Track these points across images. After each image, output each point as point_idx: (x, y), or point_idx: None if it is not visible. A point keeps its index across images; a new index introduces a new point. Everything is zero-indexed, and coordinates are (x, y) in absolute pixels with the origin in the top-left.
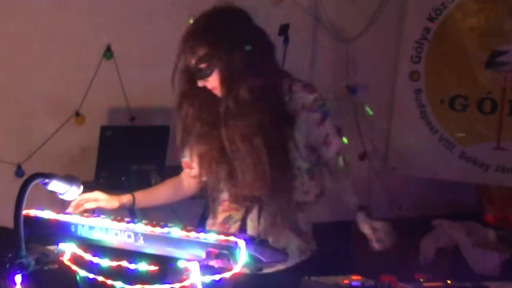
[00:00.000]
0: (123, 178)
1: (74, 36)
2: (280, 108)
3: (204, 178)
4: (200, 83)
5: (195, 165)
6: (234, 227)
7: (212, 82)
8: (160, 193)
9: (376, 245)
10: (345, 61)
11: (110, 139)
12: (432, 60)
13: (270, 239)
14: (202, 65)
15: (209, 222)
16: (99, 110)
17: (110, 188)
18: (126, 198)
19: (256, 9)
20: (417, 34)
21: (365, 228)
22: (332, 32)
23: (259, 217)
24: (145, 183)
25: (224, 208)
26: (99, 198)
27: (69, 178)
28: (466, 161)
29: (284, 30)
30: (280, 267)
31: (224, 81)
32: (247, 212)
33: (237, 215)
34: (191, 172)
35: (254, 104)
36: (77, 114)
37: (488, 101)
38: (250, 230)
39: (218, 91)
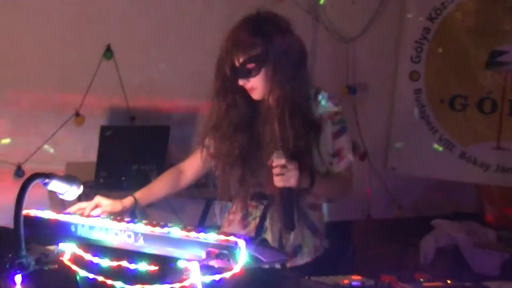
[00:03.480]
0: (123, 178)
1: (74, 36)
2: (309, 113)
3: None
4: (241, 82)
5: (207, 157)
6: (253, 224)
7: (255, 82)
8: (160, 188)
9: (276, 179)
10: (345, 61)
11: (110, 139)
12: (432, 60)
13: (288, 237)
14: (251, 65)
15: (229, 217)
16: (99, 110)
17: (110, 188)
18: (128, 200)
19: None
20: (417, 34)
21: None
22: (332, 32)
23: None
24: (145, 183)
25: (242, 205)
26: (102, 204)
27: (69, 178)
28: (466, 161)
29: None
30: (297, 262)
31: (268, 82)
32: (265, 209)
33: (256, 212)
34: (201, 158)
35: (291, 106)
36: (77, 114)
37: (488, 101)
38: (269, 227)
39: (257, 92)
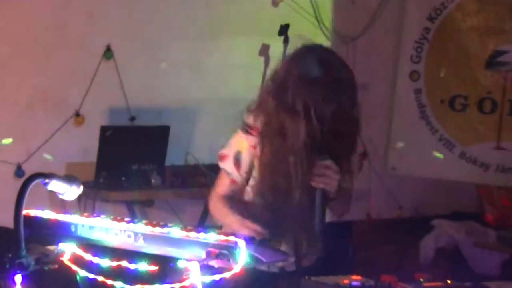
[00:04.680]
0: (123, 178)
1: (74, 36)
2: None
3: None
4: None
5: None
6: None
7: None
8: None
9: (318, 180)
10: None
11: (110, 139)
12: (432, 60)
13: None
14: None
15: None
16: (99, 110)
17: (110, 188)
18: None
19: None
20: (417, 34)
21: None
22: (332, 32)
23: None
24: (145, 183)
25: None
26: None
27: (69, 178)
28: (466, 161)
29: (284, 30)
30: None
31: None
32: None
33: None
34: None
35: (345, 127)
36: (77, 114)
37: (488, 101)
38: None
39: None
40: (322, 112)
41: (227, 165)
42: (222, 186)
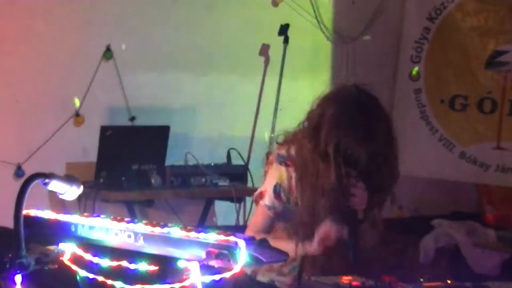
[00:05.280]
0: (123, 178)
1: (74, 36)
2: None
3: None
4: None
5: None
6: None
7: None
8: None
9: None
10: (345, 61)
11: (110, 139)
12: (432, 60)
13: None
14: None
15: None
16: (99, 110)
17: (110, 188)
18: None
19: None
20: (417, 34)
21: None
22: (332, 32)
23: None
24: (145, 183)
25: None
26: None
27: (69, 178)
28: (466, 161)
29: (284, 30)
30: None
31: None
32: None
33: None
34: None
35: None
36: (77, 114)
37: (488, 101)
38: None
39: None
40: (357, 153)
41: (267, 201)
42: (263, 221)
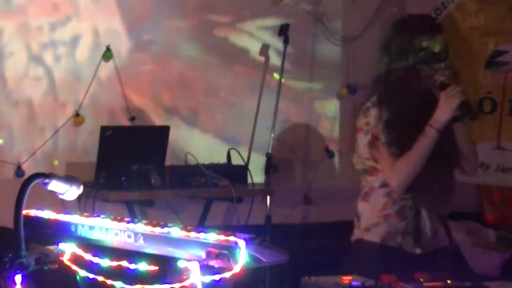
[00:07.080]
0: (123, 178)
1: (74, 36)
2: None
3: None
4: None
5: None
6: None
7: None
8: None
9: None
10: (345, 61)
11: (110, 139)
12: None
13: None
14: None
15: (384, 212)
16: (99, 110)
17: (110, 188)
18: None
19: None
20: None
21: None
22: (332, 32)
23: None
24: (145, 183)
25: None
26: None
27: (69, 178)
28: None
29: (284, 30)
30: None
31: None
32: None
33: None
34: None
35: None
36: (77, 114)
37: (488, 100)
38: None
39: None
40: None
41: (382, 140)
42: (392, 155)
